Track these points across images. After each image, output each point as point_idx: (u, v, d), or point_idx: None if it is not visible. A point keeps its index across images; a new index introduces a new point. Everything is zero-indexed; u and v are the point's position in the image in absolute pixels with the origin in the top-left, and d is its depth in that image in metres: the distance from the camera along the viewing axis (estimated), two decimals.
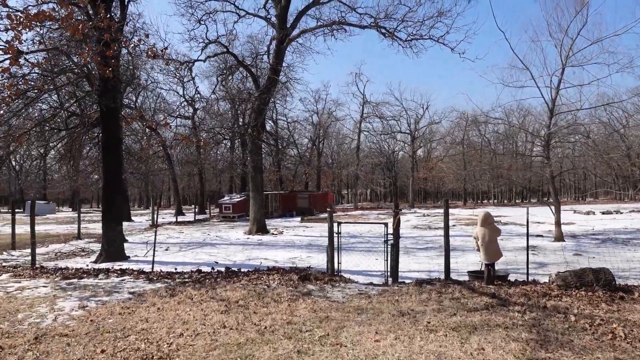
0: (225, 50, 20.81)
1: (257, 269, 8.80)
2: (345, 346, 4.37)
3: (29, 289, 7.30)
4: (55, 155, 26.81)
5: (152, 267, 9.16)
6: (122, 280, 8.07)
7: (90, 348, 4.43)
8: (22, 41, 7.06)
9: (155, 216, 21.71)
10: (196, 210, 35.46)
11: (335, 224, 8.24)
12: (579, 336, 4.56)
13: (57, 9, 7.58)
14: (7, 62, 7.20)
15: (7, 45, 6.71)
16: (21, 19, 6.56)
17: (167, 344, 4.51)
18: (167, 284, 7.59)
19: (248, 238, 16.78)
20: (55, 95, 16.29)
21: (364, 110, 50.20)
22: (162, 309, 5.87)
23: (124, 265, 9.97)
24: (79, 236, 16.91)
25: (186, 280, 7.89)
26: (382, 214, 32.23)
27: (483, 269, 7.33)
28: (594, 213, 26.50)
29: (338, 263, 8.14)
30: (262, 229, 18.52)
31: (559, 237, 13.45)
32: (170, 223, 26.21)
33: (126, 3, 13.11)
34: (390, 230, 7.76)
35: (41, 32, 11.51)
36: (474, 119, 41.91)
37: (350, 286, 7.24)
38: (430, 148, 64.40)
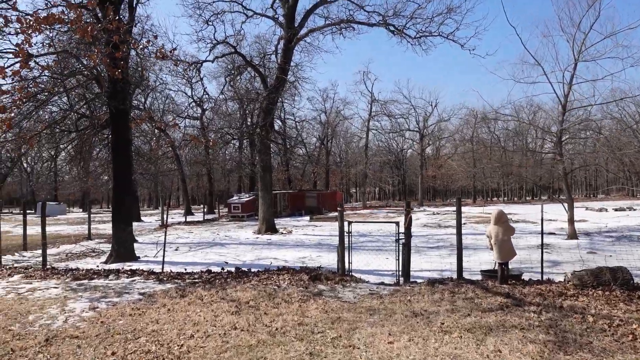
0: (233, 50, 20.80)
1: (267, 269, 8.75)
2: (358, 348, 4.29)
3: (39, 290, 7.33)
4: (65, 156, 27.07)
5: (162, 268, 9.16)
6: (133, 280, 8.08)
7: (100, 350, 4.41)
8: (32, 44, 7.06)
9: (164, 216, 21.81)
10: (205, 210, 35.61)
11: (345, 223, 8.16)
12: (598, 337, 4.44)
13: (66, 12, 7.59)
14: (18, 65, 7.22)
15: (17, 48, 6.73)
16: (31, 22, 6.57)
17: (178, 345, 4.48)
18: (177, 284, 7.57)
19: (257, 237, 16.76)
20: (65, 98, 16.39)
21: (372, 108, 49.97)
22: (172, 310, 5.85)
23: (134, 265, 9.99)
24: (89, 237, 17.03)
25: (196, 280, 7.87)
26: (391, 213, 32.07)
27: (496, 268, 7.21)
28: (606, 210, 26.10)
29: (349, 263, 8.06)
30: (271, 229, 18.50)
31: (572, 234, 13.23)
32: (179, 223, 26.32)
33: (134, 5, 13.14)
34: (402, 229, 7.66)
35: (51, 35, 11.55)
36: (484, 116, 41.49)
37: (361, 286, 7.16)
38: (439, 146, 64.04)
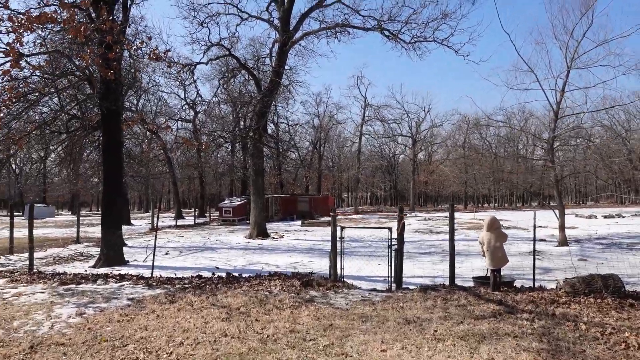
0: (227, 53, 20.72)
1: (259, 275, 8.66)
2: (351, 356, 4.23)
3: (25, 295, 7.18)
4: (55, 158, 26.72)
5: (152, 272, 9.02)
6: (121, 285, 7.94)
7: (87, 358, 4.30)
8: (24, 43, 6.95)
9: (155, 220, 21.59)
10: (196, 213, 35.32)
11: (338, 228, 8.12)
12: (591, 346, 4.43)
13: (59, 11, 7.48)
14: (8, 64, 7.09)
15: (8, 47, 6.61)
16: (23, 21, 6.45)
17: (167, 353, 4.38)
18: (166, 289, 7.46)
19: (249, 242, 16.65)
20: (56, 98, 16.19)
21: (365, 113, 50.01)
22: (161, 316, 5.74)
23: (123, 270, 9.83)
24: (77, 240, 16.76)
25: (186, 285, 7.76)
26: (383, 218, 32.07)
27: (488, 274, 7.20)
28: (595, 217, 26.34)
29: (341, 268, 8.01)
30: (262, 233, 18.39)
31: (563, 241, 13.31)
32: (170, 227, 26.07)
33: (128, 6, 13.05)
34: (395, 235, 7.63)
35: (43, 34, 11.42)
36: (476, 122, 41.79)
37: (353, 292, 7.11)
38: (431, 151, 64.29)
